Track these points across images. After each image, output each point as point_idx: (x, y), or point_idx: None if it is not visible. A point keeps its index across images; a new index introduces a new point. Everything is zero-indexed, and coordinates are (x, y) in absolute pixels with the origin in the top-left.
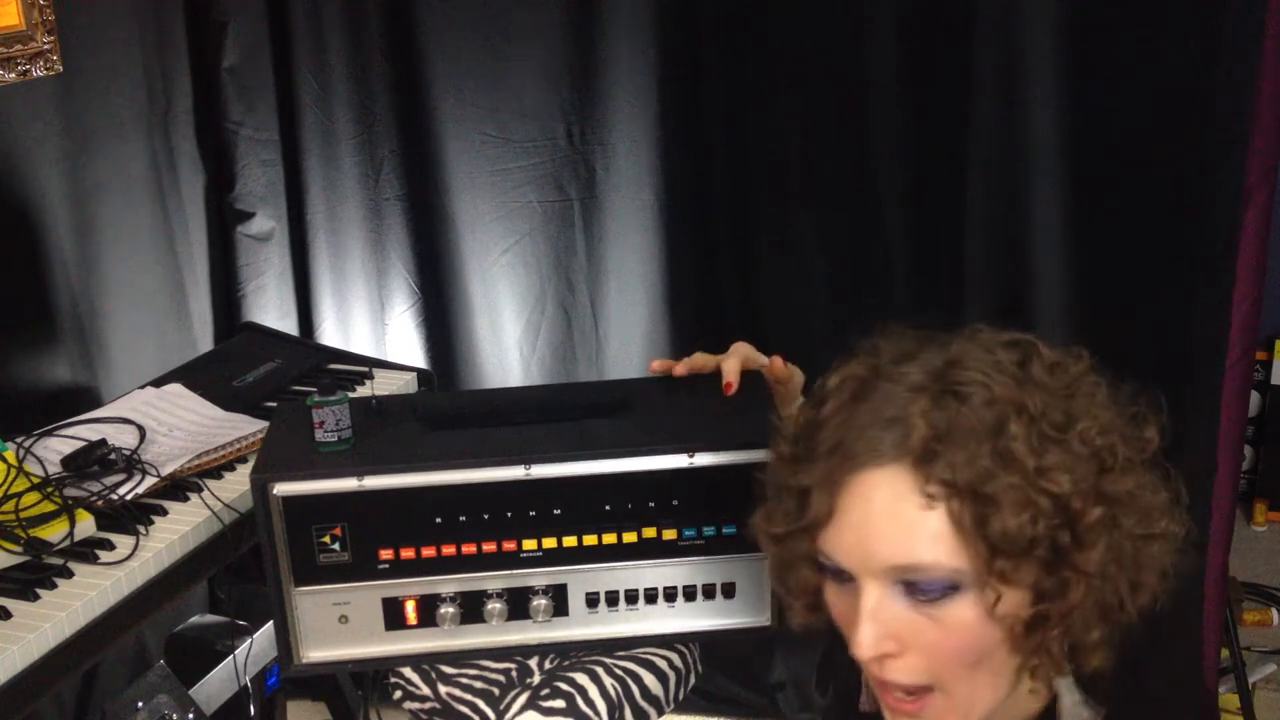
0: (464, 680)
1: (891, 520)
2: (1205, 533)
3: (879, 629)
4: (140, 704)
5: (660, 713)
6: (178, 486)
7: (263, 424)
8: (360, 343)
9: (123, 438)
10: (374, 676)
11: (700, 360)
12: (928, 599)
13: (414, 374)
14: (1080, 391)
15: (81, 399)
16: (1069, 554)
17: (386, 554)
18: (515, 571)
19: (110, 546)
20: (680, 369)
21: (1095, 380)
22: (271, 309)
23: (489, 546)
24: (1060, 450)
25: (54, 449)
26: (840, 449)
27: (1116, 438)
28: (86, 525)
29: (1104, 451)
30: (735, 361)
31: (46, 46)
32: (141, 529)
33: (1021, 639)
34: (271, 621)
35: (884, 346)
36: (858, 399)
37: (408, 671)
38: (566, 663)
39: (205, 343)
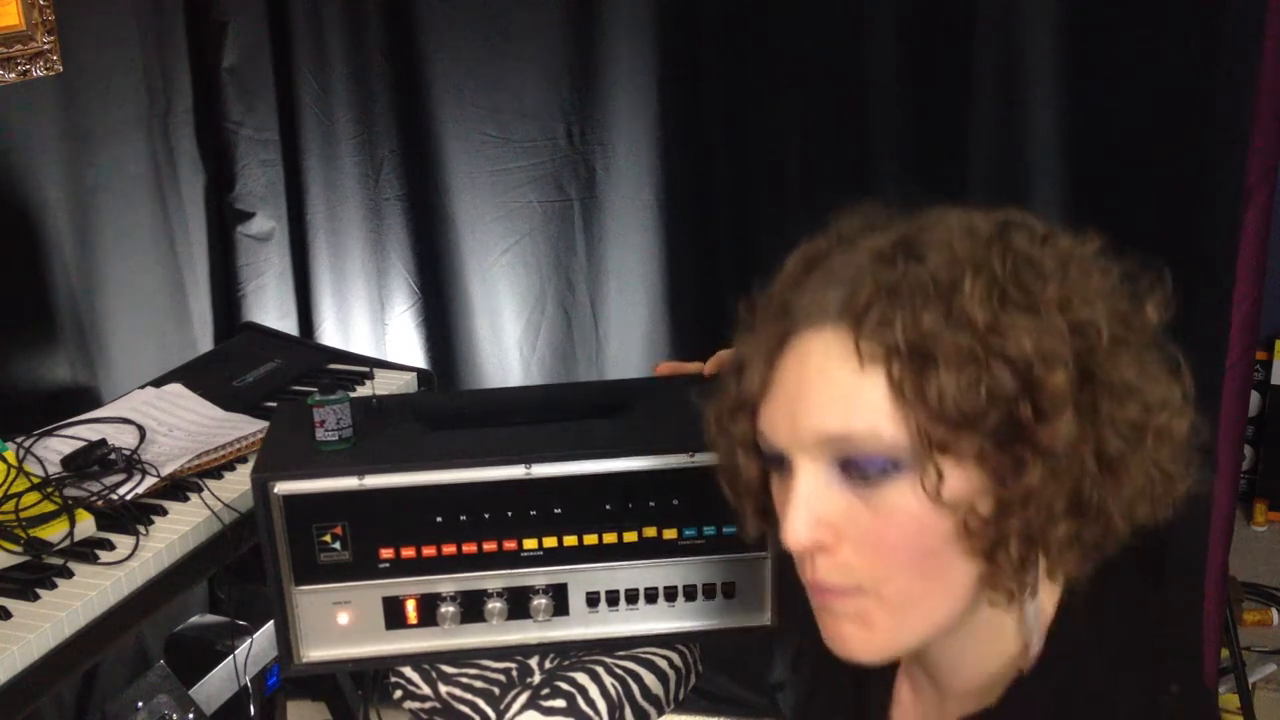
0: (464, 680)
1: (824, 385)
2: (1205, 533)
3: (810, 514)
4: (140, 704)
5: (660, 712)
6: (178, 486)
7: (263, 424)
8: (360, 343)
9: (123, 438)
10: (374, 676)
11: (689, 368)
12: (864, 480)
13: (414, 374)
14: (1074, 268)
15: (81, 399)
16: (1028, 429)
17: (387, 553)
18: (515, 571)
19: (110, 546)
20: (663, 369)
21: (1101, 263)
22: (271, 309)
23: (489, 546)
24: (1027, 314)
25: (54, 449)
26: (783, 315)
27: (1104, 311)
28: (86, 525)
29: (1087, 325)
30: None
31: (46, 46)
32: (141, 529)
33: (976, 535)
34: (271, 621)
35: (851, 220)
36: (811, 267)
37: (408, 671)
38: (567, 662)
39: (205, 343)
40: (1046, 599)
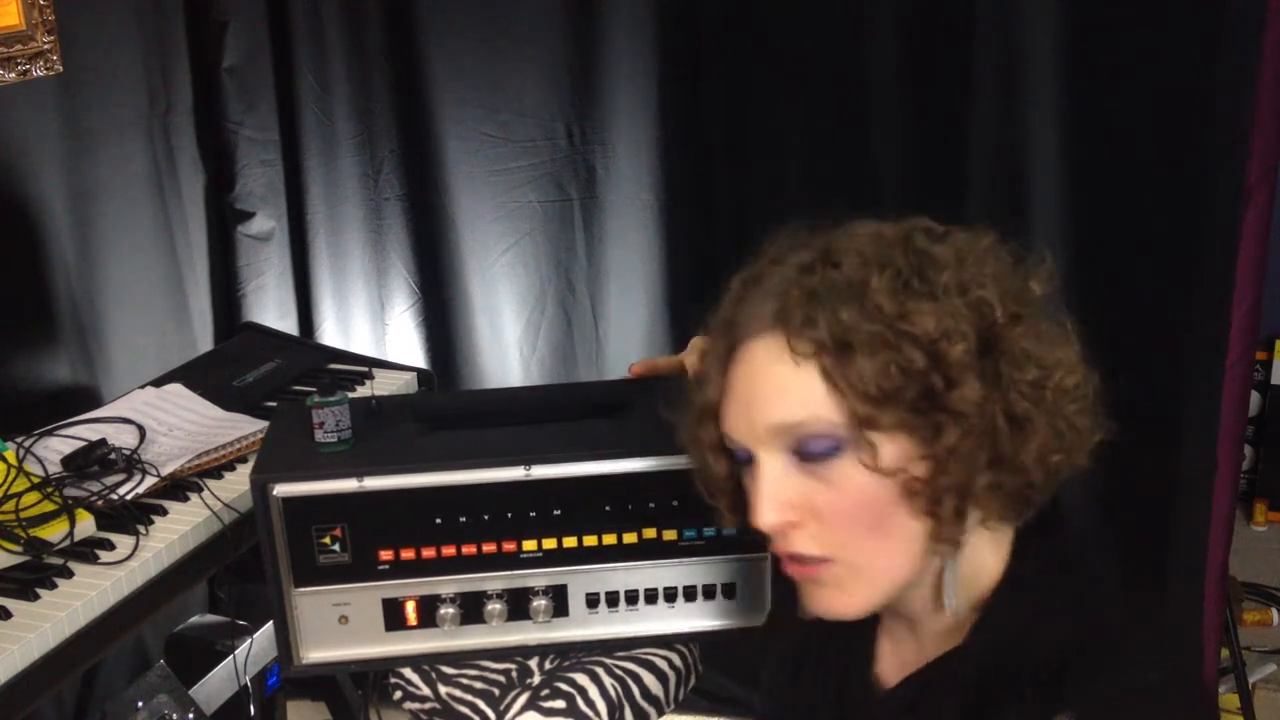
0: (464, 680)
1: (767, 383)
2: (1205, 533)
3: (775, 499)
4: (140, 704)
5: (660, 713)
6: (178, 486)
7: (263, 424)
8: (360, 343)
9: (123, 438)
10: (374, 676)
11: (663, 363)
12: (815, 460)
13: (414, 374)
14: (969, 258)
15: (81, 399)
16: (941, 397)
17: (386, 554)
18: (515, 572)
19: (110, 546)
20: (638, 369)
21: (995, 251)
22: (271, 309)
23: (489, 547)
24: (928, 300)
25: (54, 449)
26: (729, 330)
27: (998, 291)
28: (86, 525)
29: (983, 304)
30: (695, 357)
31: (46, 46)
32: (141, 529)
33: (916, 495)
34: (271, 621)
35: (779, 242)
36: (748, 285)
37: (408, 672)
38: (566, 663)
39: (205, 343)
40: (996, 549)
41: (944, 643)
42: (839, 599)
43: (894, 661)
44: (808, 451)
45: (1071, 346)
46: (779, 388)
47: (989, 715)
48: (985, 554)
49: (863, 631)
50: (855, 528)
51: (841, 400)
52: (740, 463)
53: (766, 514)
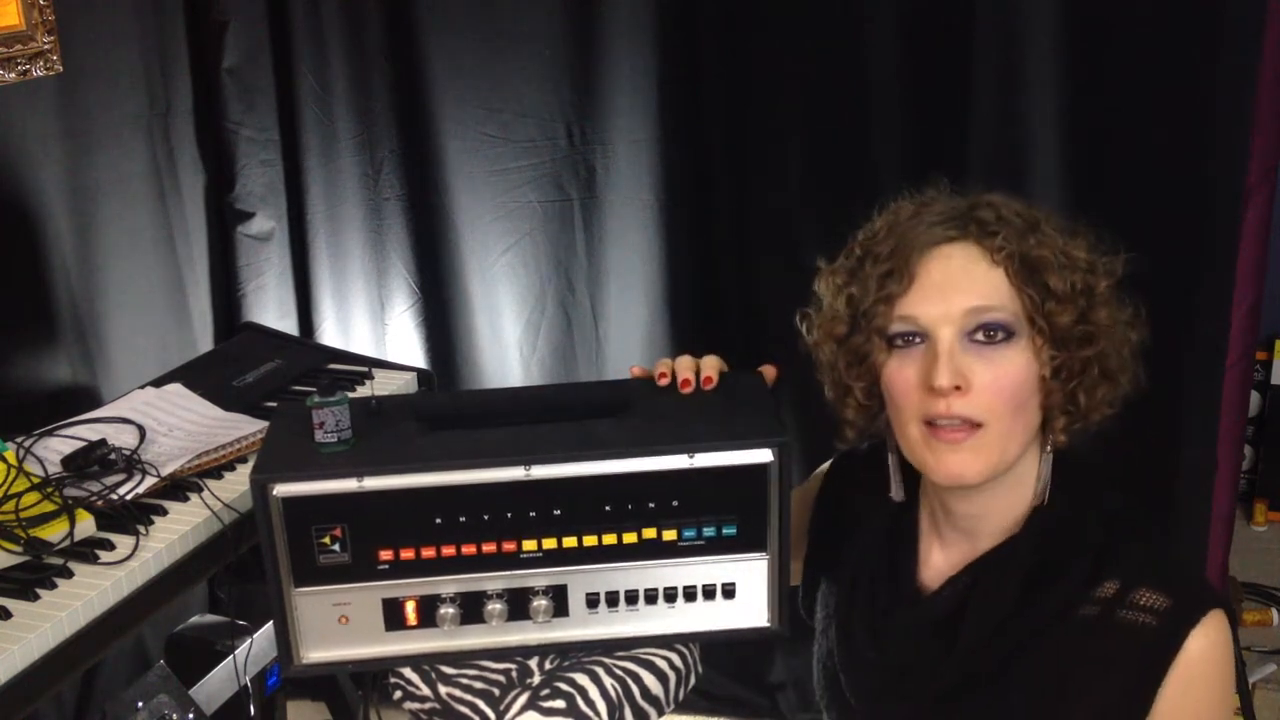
0: (464, 680)
1: (967, 275)
2: (1205, 533)
3: (952, 364)
4: (140, 704)
5: (660, 713)
6: (178, 486)
7: (263, 424)
8: (360, 343)
9: (123, 438)
10: (374, 676)
11: (685, 364)
12: (989, 342)
13: (414, 374)
14: (1062, 224)
15: (81, 399)
16: (1090, 313)
17: (386, 554)
18: (515, 572)
19: (110, 546)
20: (664, 380)
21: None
22: (271, 309)
23: (489, 547)
24: (1076, 245)
25: (54, 449)
26: (906, 241)
27: (1099, 260)
28: (86, 525)
29: (1095, 263)
30: (714, 358)
31: (46, 46)
32: (141, 529)
33: (1044, 388)
34: (271, 621)
35: (909, 202)
36: (911, 217)
37: (408, 671)
38: (566, 663)
39: (205, 343)
40: (1044, 469)
41: (996, 540)
42: (972, 463)
43: (944, 565)
44: (986, 331)
45: (1131, 309)
46: (978, 279)
47: (1047, 585)
48: (1029, 470)
49: (909, 542)
50: (1005, 403)
51: (1022, 296)
52: (898, 344)
53: (945, 375)
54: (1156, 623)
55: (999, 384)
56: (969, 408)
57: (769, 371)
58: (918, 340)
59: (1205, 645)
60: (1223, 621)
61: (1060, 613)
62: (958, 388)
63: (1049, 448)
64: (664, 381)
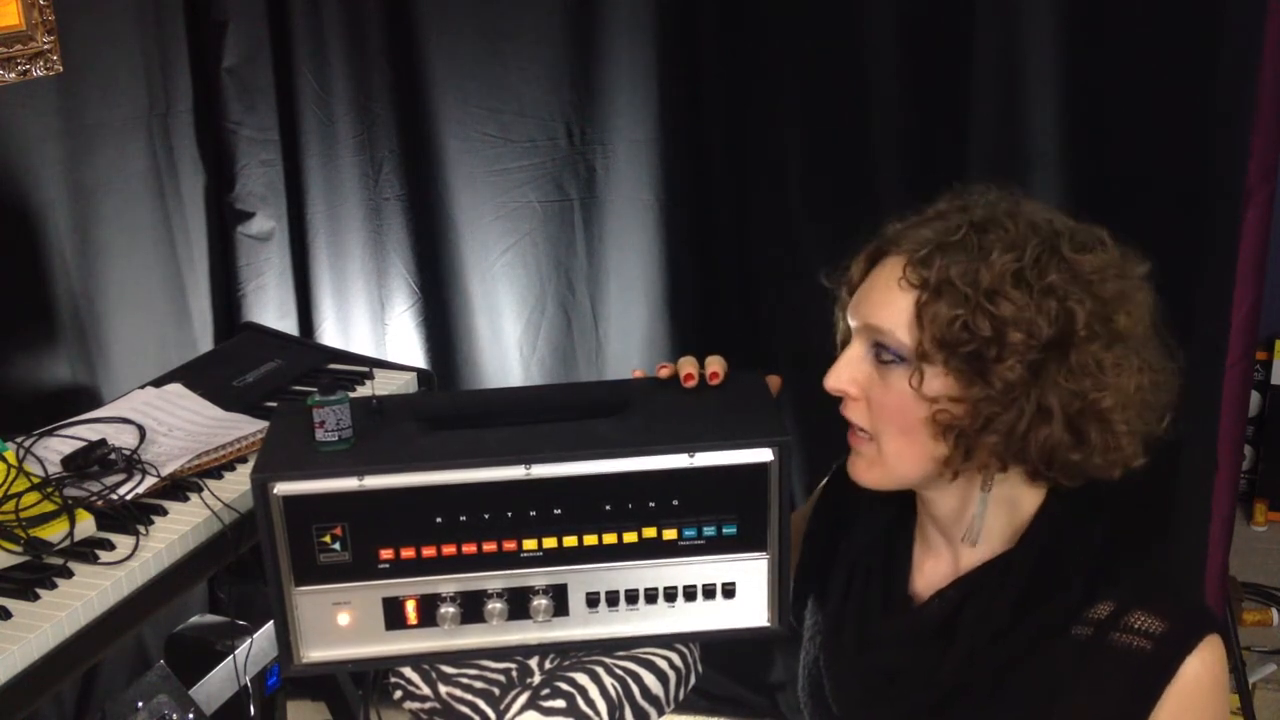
0: (464, 680)
1: (881, 291)
2: (1205, 533)
3: (846, 371)
4: (140, 704)
5: (660, 713)
6: (178, 486)
7: (263, 424)
8: (360, 343)
9: (123, 438)
10: (374, 676)
11: (688, 359)
12: (883, 362)
13: (414, 374)
14: (1099, 275)
15: (81, 399)
16: (988, 364)
17: (387, 554)
18: (515, 571)
19: (110, 546)
20: (664, 372)
21: (1131, 278)
22: (271, 309)
23: (489, 546)
24: (1024, 291)
25: (54, 449)
26: (890, 240)
27: (1093, 307)
28: (86, 525)
29: (1069, 314)
30: (718, 357)
31: (46, 46)
32: (141, 529)
33: (938, 424)
34: (271, 621)
35: (964, 194)
36: (924, 216)
37: (408, 671)
38: (566, 663)
39: (205, 343)
40: (1035, 491)
41: (977, 558)
42: (865, 471)
43: (934, 575)
44: (883, 351)
45: (1142, 378)
46: (886, 299)
47: (1041, 601)
48: (1024, 493)
49: (904, 550)
50: (890, 423)
51: (919, 331)
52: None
53: (830, 376)
54: (1151, 647)
55: (881, 401)
56: (856, 415)
57: (774, 382)
58: (846, 338)
59: (1200, 670)
60: (1218, 646)
61: (1053, 630)
62: (849, 393)
63: (988, 489)
64: (665, 373)
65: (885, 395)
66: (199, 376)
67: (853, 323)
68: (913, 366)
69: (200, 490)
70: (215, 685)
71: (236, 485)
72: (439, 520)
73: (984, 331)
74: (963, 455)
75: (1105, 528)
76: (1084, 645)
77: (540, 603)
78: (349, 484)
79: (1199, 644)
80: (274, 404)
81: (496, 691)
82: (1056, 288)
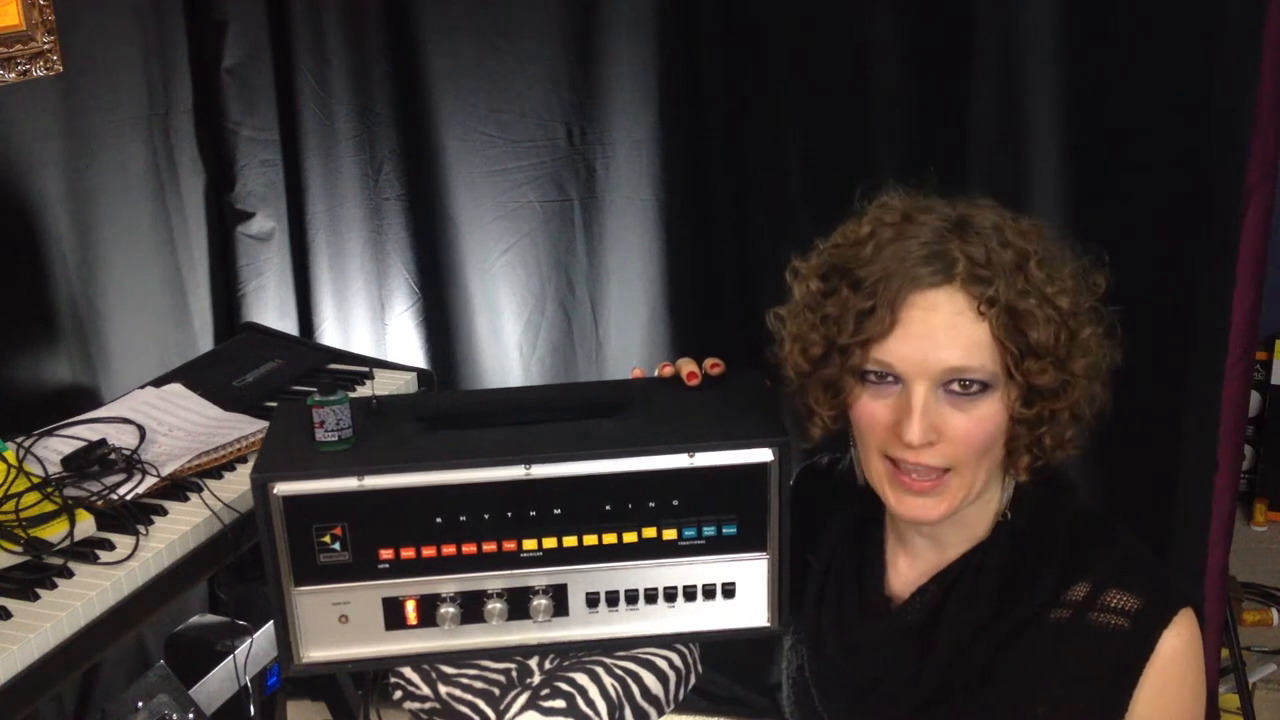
0: (464, 680)
1: (951, 330)
2: (1205, 532)
3: (925, 420)
4: (140, 704)
5: (660, 713)
6: (178, 486)
7: (263, 424)
8: (360, 343)
9: (123, 438)
10: (374, 676)
11: (688, 359)
12: (965, 395)
13: (414, 374)
14: (1050, 249)
15: (81, 399)
16: (1068, 363)
17: (387, 554)
18: (515, 571)
19: (110, 546)
20: (665, 370)
21: (1056, 245)
22: (271, 309)
23: (489, 546)
24: (1057, 284)
25: (54, 449)
26: (894, 275)
27: (1078, 283)
28: (86, 525)
29: (1078, 291)
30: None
31: (46, 46)
32: (141, 529)
33: (1019, 433)
34: (271, 621)
35: (897, 201)
36: (895, 238)
37: (408, 671)
38: (566, 663)
39: (205, 343)
40: (1007, 489)
41: (963, 549)
42: (935, 506)
43: (912, 574)
44: (965, 383)
45: (1109, 348)
46: (961, 336)
47: (1019, 592)
48: (996, 482)
49: (875, 552)
50: (974, 449)
51: (1002, 352)
52: (872, 381)
53: (919, 433)
54: (1128, 625)
55: (970, 435)
56: (938, 457)
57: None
58: (891, 380)
59: (1178, 644)
60: (1192, 619)
61: (1032, 618)
62: (930, 442)
63: (1010, 476)
64: (667, 372)
65: (972, 427)
66: (199, 376)
67: (907, 369)
68: (999, 389)
69: (200, 490)
70: (215, 685)
71: (236, 485)
72: (439, 520)
73: (1062, 336)
74: (1024, 450)
75: (1067, 513)
76: (1063, 628)
77: (540, 603)
78: (349, 484)
79: (1174, 618)
80: (274, 404)
81: (496, 691)
82: (1063, 270)
